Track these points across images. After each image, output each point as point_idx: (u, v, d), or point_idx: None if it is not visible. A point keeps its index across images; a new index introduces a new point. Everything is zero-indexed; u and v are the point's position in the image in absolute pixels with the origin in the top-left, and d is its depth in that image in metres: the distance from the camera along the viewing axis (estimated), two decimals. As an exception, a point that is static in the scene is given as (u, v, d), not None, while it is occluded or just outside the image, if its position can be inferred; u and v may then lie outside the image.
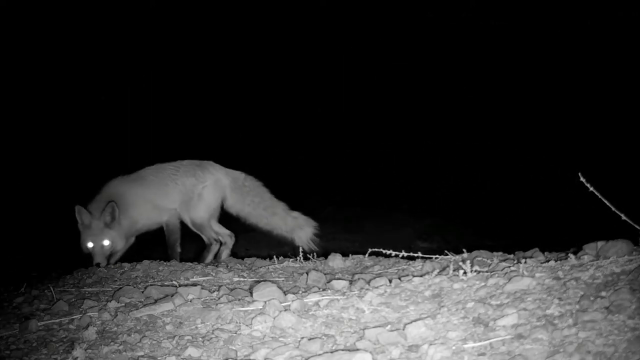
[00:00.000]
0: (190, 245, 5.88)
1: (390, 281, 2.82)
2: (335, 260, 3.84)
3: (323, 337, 2.35)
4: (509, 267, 2.70)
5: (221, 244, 5.11)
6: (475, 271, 2.65)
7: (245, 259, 4.57)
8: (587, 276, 2.31)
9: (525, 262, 2.69)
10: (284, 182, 5.29)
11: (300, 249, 4.18)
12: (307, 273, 3.35)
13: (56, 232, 7.93)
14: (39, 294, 3.63)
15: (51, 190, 9.52)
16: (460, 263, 2.68)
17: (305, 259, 4.07)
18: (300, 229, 4.92)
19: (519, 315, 2.12)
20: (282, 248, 5.47)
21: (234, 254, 5.12)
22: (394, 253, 3.18)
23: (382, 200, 9.93)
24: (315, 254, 4.25)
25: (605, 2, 11.63)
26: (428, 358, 2.00)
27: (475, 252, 3.25)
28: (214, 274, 3.68)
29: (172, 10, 13.38)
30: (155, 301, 3.08)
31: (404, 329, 2.24)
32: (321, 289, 3.03)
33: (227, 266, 4.14)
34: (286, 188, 5.23)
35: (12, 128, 10.55)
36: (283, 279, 3.57)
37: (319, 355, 2.15)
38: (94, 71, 12.60)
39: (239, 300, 2.95)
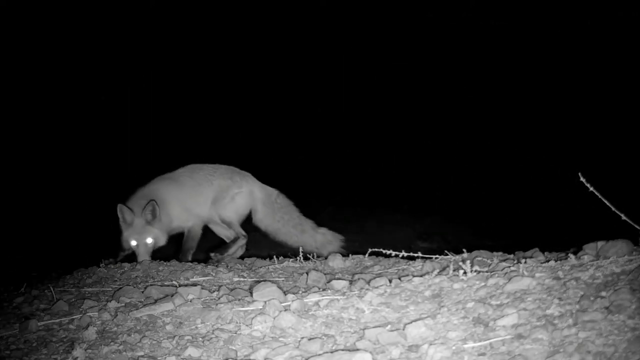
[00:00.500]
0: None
1: (390, 281, 2.82)
2: (335, 260, 3.84)
3: (323, 337, 2.35)
4: (509, 267, 2.70)
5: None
6: (475, 271, 2.65)
7: (245, 259, 4.57)
8: (587, 276, 2.31)
9: (525, 262, 2.69)
10: (283, 182, 5.28)
11: (300, 249, 4.19)
12: (307, 273, 3.35)
13: (56, 232, 7.94)
14: (39, 294, 3.63)
15: (51, 190, 9.52)
16: (460, 263, 2.68)
17: (305, 259, 4.07)
18: (329, 244, 5.05)
19: (519, 315, 2.12)
20: (282, 248, 5.46)
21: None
22: (394, 253, 3.18)
23: (382, 200, 9.93)
24: (314, 254, 4.25)
25: (605, 2, 11.63)
26: (428, 358, 2.00)
27: (475, 252, 3.25)
28: (214, 274, 3.68)
29: (172, 10, 13.38)
30: (155, 301, 3.08)
31: (404, 329, 2.24)
32: (321, 289, 3.03)
33: (227, 266, 4.14)
34: (286, 188, 5.23)
35: (12, 128, 10.55)
36: (283, 279, 3.57)
37: (319, 355, 2.15)
38: (94, 71, 12.60)
39: (239, 300, 2.95)
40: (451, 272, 2.72)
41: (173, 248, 5.12)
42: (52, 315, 3.16)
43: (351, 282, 3.05)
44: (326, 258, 3.97)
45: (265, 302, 2.70)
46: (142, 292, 3.32)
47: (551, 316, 2.08)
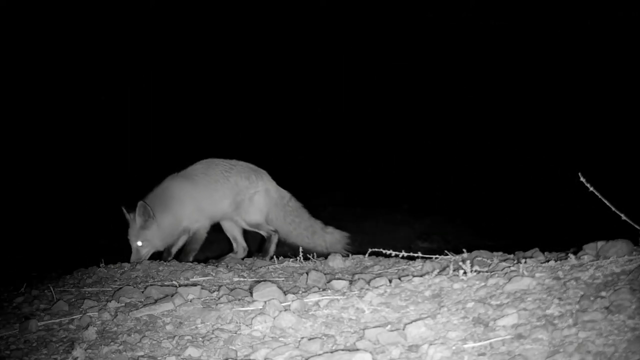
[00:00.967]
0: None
1: (390, 281, 2.82)
2: (335, 260, 3.84)
3: (323, 337, 2.35)
4: (509, 267, 2.70)
5: (234, 251, 5.18)
6: (475, 271, 2.65)
7: (246, 259, 4.58)
8: (587, 276, 2.31)
9: (525, 262, 2.69)
10: (283, 182, 5.28)
11: (300, 249, 4.19)
12: (307, 273, 3.35)
13: (56, 232, 7.94)
14: (39, 294, 3.63)
15: (51, 190, 9.52)
16: (460, 263, 2.68)
17: (305, 259, 4.07)
18: (338, 243, 5.02)
19: (519, 315, 2.12)
20: (282, 248, 5.46)
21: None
22: (394, 253, 3.18)
23: (382, 200, 9.92)
24: (314, 254, 4.25)
25: (605, 2, 11.63)
26: (428, 358, 2.00)
27: (475, 252, 3.25)
28: (214, 274, 3.68)
29: (172, 10, 13.38)
30: (155, 301, 3.08)
31: (404, 329, 2.24)
32: (321, 289, 3.03)
33: (227, 266, 4.14)
34: (286, 188, 5.23)
35: (12, 128, 10.55)
36: (283, 279, 3.57)
37: (319, 355, 2.15)
38: (94, 71, 12.60)
39: (239, 300, 2.95)
40: (451, 272, 2.72)
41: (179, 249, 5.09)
42: (52, 315, 3.16)
43: (351, 282, 3.05)
44: (326, 258, 3.97)
45: (265, 302, 2.70)
46: (142, 292, 3.32)
47: (551, 316, 2.08)
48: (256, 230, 5.05)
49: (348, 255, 4.02)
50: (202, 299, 3.04)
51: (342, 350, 2.17)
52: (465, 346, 2.02)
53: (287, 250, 5.14)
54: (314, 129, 13.13)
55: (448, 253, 3.25)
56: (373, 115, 13.50)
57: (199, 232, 4.92)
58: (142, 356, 2.46)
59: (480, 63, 13.28)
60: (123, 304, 3.13)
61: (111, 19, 12.75)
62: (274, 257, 4.35)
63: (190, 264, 4.22)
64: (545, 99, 12.20)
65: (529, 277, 2.39)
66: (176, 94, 13.23)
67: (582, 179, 2.64)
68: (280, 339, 2.41)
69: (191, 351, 2.40)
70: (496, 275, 2.54)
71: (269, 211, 5.00)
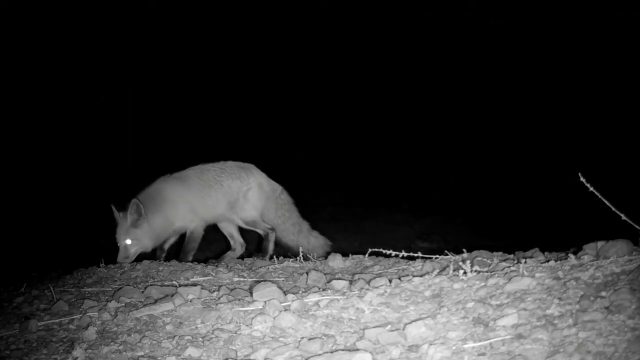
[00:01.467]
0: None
1: (390, 281, 2.82)
2: (335, 260, 3.84)
3: (323, 337, 2.35)
4: (509, 267, 2.70)
5: (232, 248, 5.18)
6: (475, 271, 2.65)
7: (245, 259, 4.58)
8: (587, 276, 2.31)
9: (525, 262, 2.69)
10: (283, 182, 5.28)
11: (300, 249, 4.19)
12: (307, 273, 3.35)
13: (56, 232, 7.94)
14: (39, 294, 3.63)
15: (51, 191, 9.52)
16: (460, 263, 2.68)
17: (305, 259, 4.07)
18: (320, 248, 5.05)
19: (519, 315, 2.12)
20: (282, 248, 5.47)
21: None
22: (394, 253, 3.18)
23: (382, 200, 9.92)
24: (315, 254, 4.25)
25: (605, 2, 11.63)
26: (428, 358, 2.00)
27: (475, 252, 3.25)
28: (214, 274, 3.68)
29: (172, 10, 13.38)
30: (155, 301, 3.08)
31: (404, 329, 2.24)
32: (321, 289, 3.03)
33: (227, 266, 4.14)
34: (286, 188, 5.23)
35: (12, 128, 10.55)
36: (283, 279, 3.57)
37: (319, 355, 2.15)
38: (94, 71, 12.60)
39: (239, 300, 2.95)
40: (451, 272, 2.72)
41: (173, 248, 5.10)
42: (52, 315, 3.16)
43: (351, 282, 3.05)
44: (326, 258, 3.97)
45: (265, 302, 2.70)
46: (142, 292, 3.31)
47: (551, 316, 2.08)
48: (253, 229, 5.05)
49: (348, 255, 4.01)
50: (202, 299, 3.04)
51: (342, 350, 2.17)
52: (465, 346, 2.02)
53: (286, 250, 5.13)
54: (314, 129, 13.13)
55: (448, 253, 3.25)
56: (373, 115, 13.50)
57: (196, 231, 4.92)
58: (142, 356, 2.46)
59: (480, 63, 13.28)
60: (123, 304, 3.13)
61: (111, 18, 12.74)
62: (274, 257, 4.35)
63: (190, 264, 4.22)
64: (545, 99, 12.20)
65: (529, 277, 2.39)
66: (177, 95, 13.24)
67: (582, 179, 2.64)
68: (280, 339, 2.41)
69: (191, 351, 2.40)
70: (496, 275, 2.54)
71: (263, 206, 5.01)
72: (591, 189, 2.65)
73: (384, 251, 3.21)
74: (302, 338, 2.37)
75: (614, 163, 8.77)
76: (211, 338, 2.53)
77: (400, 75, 13.88)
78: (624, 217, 2.59)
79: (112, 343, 2.62)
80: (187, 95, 13.40)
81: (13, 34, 11.28)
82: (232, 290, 3.22)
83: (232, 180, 4.93)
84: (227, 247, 5.28)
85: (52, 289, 3.61)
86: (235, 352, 2.37)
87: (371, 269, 3.59)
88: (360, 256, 3.91)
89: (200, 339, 2.56)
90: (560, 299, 2.17)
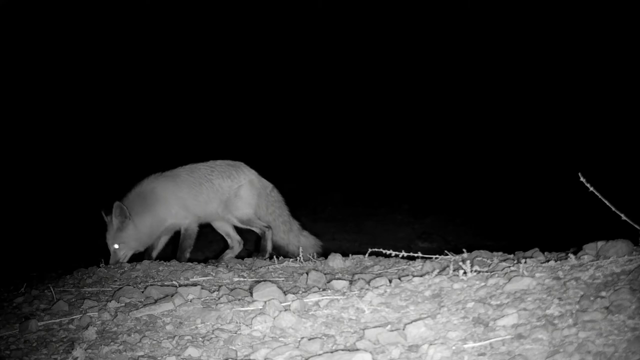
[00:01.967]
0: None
1: (390, 281, 2.82)
2: (335, 260, 3.84)
3: (323, 337, 2.35)
4: (509, 267, 2.70)
5: (229, 247, 5.18)
6: (475, 271, 2.65)
7: (245, 259, 4.58)
8: (587, 276, 2.31)
9: (525, 262, 2.69)
10: (283, 182, 5.28)
11: (300, 249, 4.20)
12: (307, 273, 3.35)
13: (56, 232, 7.94)
14: (39, 294, 3.63)
15: (51, 191, 9.52)
16: (460, 263, 2.68)
17: (305, 259, 4.08)
18: (311, 248, 5.04)
19: (519, 315, 2.12)
20: (286, 250, 5.47)
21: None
22: (394, 253, 3.19)
23: (382, 200, 9.92)
24: (315, 254, 4.25)
25: (605, 2, 11.63)
26: (428, 358, 2.00)
27: (475, 252, 3.25)
28: (214, 274, 3.68)
29: (173, 11, 13.37)
30: (155, 301, 3.08)
31: (404, 329, 2.24)
32: (321, 289, 3.03)
33: (227, 266, 4.14)
34: (286, 188, 5.23)
35: (12, 128, 10.55)
36: (283, 279, 3.57)
37: (319, 355, 2.15)
38: (94, 71, 12.60)
39: (239, 300, 2.95)
40: (451, 272, 2.72)
41: (172, 248, 5.10)
42: (52, 315, 3.16)
43: (351, 282, 3.05)
44: (326, 258, 3.97)
45: (265, 302, 2.70)
46: (142, 292, 3.31)
47: (551, 316, 2.08)
48: (249, 227, 5.05)
49: (348, 255, 4.01)
50: (202, 299, 3.04)
51: (342, 350, 2.17)
52: (465, 346, 2.02)
53: (277, 250, 5.13)
54: (314, 129, 13.13)
55: (448, 253, 3.25)
56: (373, 115, 13.50)
57: (190, 227, 4.92)
58: (142, 356, 2.46)
59: (480, 63, 13.28)
60: (123, 304, 3.13)
61: (112, 19, 12.74)
62: (274, 257, 4.35)
63: (190, 264, 4.22)
64: (546, 99, 12.21)
65: (529, 277, 2.39)
66: (175, 95, 13.23)
67: (582, 179, 2.64)
68: (280, 339, 2.41)
69: (191, 351, 2.40)
70: (496, 275, 2.54)
71: (256, 203, 5.00)
72: (591, 189, 2.65)
73: (384, 251, 3.21)
74: (302, 338, 2.37)
75: (614, 163, 8.76)
76: (211, 338, 2.53)
77: (400, 75, 13.88)
78: (624, 217, 2.59)
79: (112, 343, 2.62)
80: (187, 96, 13.40)
81: (13, 34, 11.27)
82: (232, 290, 3.22)
83: (222, 179, 4.93)
84: (226, 246, 5.28)
85: (52, 289, 3.61)
86: (235, 352, 2.37)
87: (371, 269, 3.59)
88: (360, 256, 3.91)
89: (200, 339, 2.56)
90: (560, 299, 2.17)
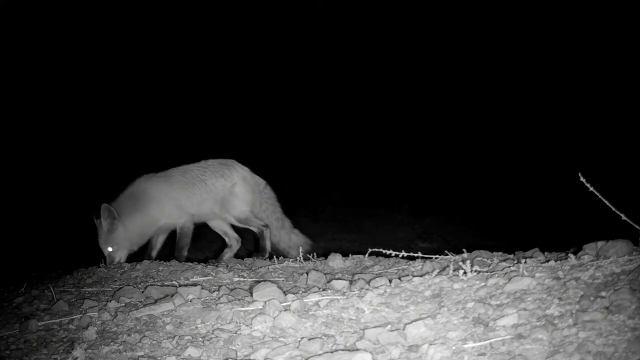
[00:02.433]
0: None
1: (390, 281, 2.82)
2: (335, 260, 3.84)
3: (323, 337, 2.35)
4: (509, 267, 2.70)
5: (228, 245, 5.19)
6: (475, 271, 2.65)
7: (245, 259, 4.58)
8: (587, 276, 2.31)
9: (525, 262, 2.69)
10: (283, 182, 5.28)
11: (300, 249, 4.20)
12: (307, 273, 3.35)
13: (56, 232, 7.94)
14: (39, 294, 3.63)
15: (51, 191, 9.52)
16: (460, 263, 2.68)
17: (305, 259, 4.07)
18: (301, 246, 5.03)
19: (519, 315, 2.12)
20: (276, 247, 5.47)
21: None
22: (394, 253, 3.19)
23: (382, 200, 9.93)
24: (315, 254, 4.25)
25: (605, 2, 11.63)
26: (428, 358, 2.00)
27: (475, 252, 3.25)
28: (214, 274, 3.68)
29: (173, 11, 13.37)
30: (155, 301, 3.08)
31: (404, 329, 2.24)
32: (321, 289, 3.03)
33: (227, 266, 4.14)
34: (286, 188, 5.23)
35: (12, 128, 10.55)
36: (283, 279, 3.57)
37: (319, 355, 2.15)
38: (93, 71, 12.60)
39: (239, 300, 2.95)
40: (451, 272, 2.72)
41: (170, 248, 5.09)
42: (52, 315, 3.16)
43: (351, 282, 3.05)
44: (326, 258, 3.97)
45: (265, 302, 2.70)
46: (142, 292, 3.31)
47: (551, 316, 2.08)
48: (247, 226, 5.05)
49: (348, 255, 4.01)
50: (202, 299, 3.04)
51: (342, 350, 2.17)
52: (465, 346, 2.02)
53: (276, 248, 5.13)
54: (314, 129, 13.13)
55: (448, 253, 3.25)
56: (373, 115, 13.50)
57: (185, 226, 4.91)
58: (142, 356, 2.46)
59: (480, 63, 13.28)
60: (123, 304, 3.13)
61: (112, 19, 12.74)
62: (274, 257, 4.35)
63: (190, 264, 4.22)
64: (545, 99, 12.21)
65: (529, 277, 2.39)
66: (175, 96, 13.23)
67: (582, 179, 2.64)
68: (280, 339, 2.41)
69: (191, 351, 2.40)
70: (496, 275, 2.54)
71: (252, 200, 4.99)
72: (591, 189, 2.65)
73: (384, 251, 3.22)
74: (302, 338, 2.37)
75: (614, 163, 8.77)
76: (211, 338, 2.53)
77: (400, 75, 13.88)
78: (624, 217, 2.59)
79: (112, 343, 2.62)
80: (186, 96, 13.40)
81: (13, 34, 11.27)
82: (232, 290, 3.22)
83: (215, 178, 4.93)
84: (224, 245, 5.28)
85: (52, 289, 3.61)
86: (235, 352, 2.37)
87: (371, 269, 3.59)
88: (360, 256, 3.91)
89: (200, 339, 2.56)
90: (560, 299, 2.17)
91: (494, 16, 13.15)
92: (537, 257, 2.96)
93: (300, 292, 3.08)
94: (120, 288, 3.42)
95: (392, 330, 2.23)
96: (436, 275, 2.70)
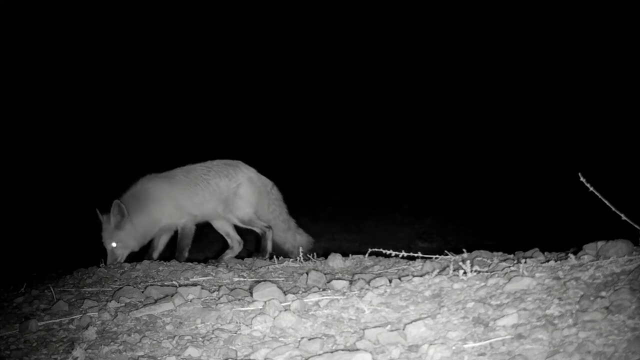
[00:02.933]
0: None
1: (390, 281, 2.82)
2: (335, 260, 3.84)
3: (323, 337, 2.35)
4: (509, 267, 2.70)
5: (229, 246, 5.19)
6: (475, 271, 2.65)
7: (245, 259, 4.58)
8: (587, 276, 2.31)
9: (525, 262, 2.69)
10: (283, 183, 5.28)
11: (300, 249, 4.20)
12: (307, 273, 3.35)
13: (56, 232, 7.94)
14: (39, 294, 3.63)
15: (51, 191, 9.52)
16: (460, 263, 2.68)
17: (305, 259, 4.07)
18: (306, 245, 5.05)
19: (519, 315, 2.12)
20: (282, 248, 5.47)
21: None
22: (394, 253, 3.19)
23: (382, 200, 9.93)
24: (315, 254, 4.25)
25: (605, 2, 11.63)
26: (428, 358, 2.00)
27: (475, 252, 3.25)
28: (214, 274, 3.68)
29: (171, 10, 13.37)
30: (155, 301, 3.08)
31: (404, 329, 2.24)
32: (321, 289, 3.03)
33: (227, 266, 4.14)
34: (286, 188, 5.23)
35: (12, 128, 10.55)
36: (283, 279, 3.57)
37: (319, 355, 2.15)
38: (91, 71, 12.60)
39: (239, 300, 2.95)
40: (451, 272, 2.72)
41: (171, 249, 5.09)
42: (52, 315, 3.16)
43: (351, 282, 3.05)
44: (326, 258, 3.97)
45: (265, 302, 2.70)
46: (142, 292, 3.31)
47: (551, 316, 2.08)
48: (249, 227, 5.04)
49: (348, 255, 4.01)
50: (202, 299, 3.04)
51: (342, 350, 2.17)
52: (465, 346, 2.02)
53: (275, 247, 5.13)
54: (314, 129, 13.13)
55: (448, 253, 3.25)
56: (373, 115, 13.50)
57: (187, 226, 4.90)
58: (142, 356, 2.46)
59: (480, 63, 13.28)
60: (123, 304, 3.13)
61: (112, 19, 12.74)
62: (274, 257, 4.35)
63: (190, 264, 4.22)
64: (545, 99, 12.21)
65: (529, 277, 2.39)
66: (175, 96, 13.23)
67: (582, 179, 2.64)
68: (280, 339, 2.41)
69: (191, 351, 2.40)
70: (496, 275, 2.54)
71: (257, 201, 4.97)
72: (591, 189, 2.65)
73: (384, 251, 3.21)
74: (302, 338, 2.37)
75: (614, 163, 8.77)
76: (211, 338, 2.53)
77: (400, 75, 13.88)
78: (624, 217, 2.59)
79: (112, 343, 2.62)
80: (185, 97, 13.40)
81: (12, 34, 11.27)
82: (232, 290, 3.22)
83: (219, 178, 4.90)
84: (226, 246, 5.28)
85: (52, 289, 3.60)
86: (235, 352, 2.37)
87: (371, 269, 3.59)
88: (360, 256, 3.91)
89: (200, 339, 2.56)
90: (560, 299, 2.17)
91: (494, 16, 13.15)
92: (537, 257, 2.96)
93: (300, 292, 3.08)
94: (120, 288, 3.42)
95: (392, 330, 2.23)
96: (436, 275, 2.70)
